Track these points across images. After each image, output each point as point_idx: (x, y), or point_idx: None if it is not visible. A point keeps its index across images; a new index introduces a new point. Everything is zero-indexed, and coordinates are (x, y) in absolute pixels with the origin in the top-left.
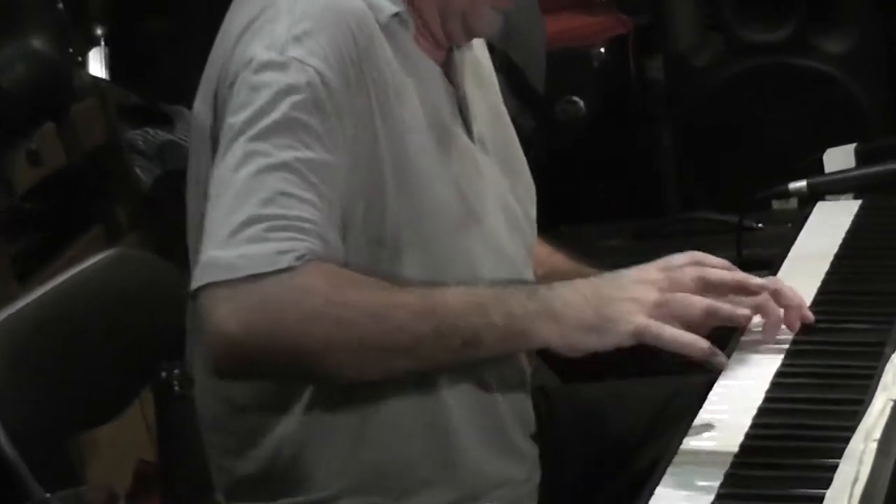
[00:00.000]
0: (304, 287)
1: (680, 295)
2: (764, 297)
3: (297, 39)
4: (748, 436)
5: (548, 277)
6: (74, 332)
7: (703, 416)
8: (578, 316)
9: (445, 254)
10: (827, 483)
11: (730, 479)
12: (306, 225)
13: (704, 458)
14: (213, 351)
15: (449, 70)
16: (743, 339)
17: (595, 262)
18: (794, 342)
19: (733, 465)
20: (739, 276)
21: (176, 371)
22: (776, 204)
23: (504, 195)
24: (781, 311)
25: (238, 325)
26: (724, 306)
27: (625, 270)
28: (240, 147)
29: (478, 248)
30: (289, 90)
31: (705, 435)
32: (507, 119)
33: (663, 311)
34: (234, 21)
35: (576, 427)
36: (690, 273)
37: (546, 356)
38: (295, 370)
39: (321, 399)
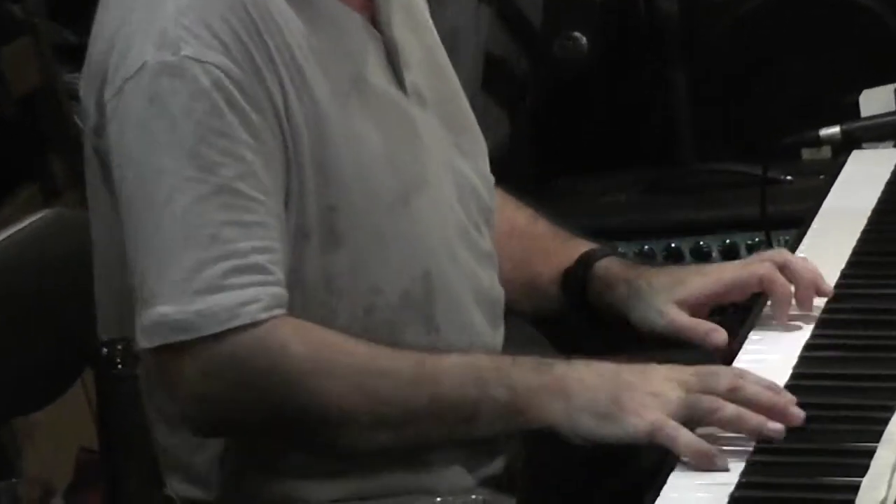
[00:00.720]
0: (279, 349)
1: (706, 397)
2: (768, 269)
3: (189, 32)
4: None
5: (528, 252)
6: (6, 302)
7: None
8: (591, 399)
9: (387, 232)
10: (863, 470)
11: (752, 467)
12: (261, 258)
13: (723, 443)
14: (182, 411)
15: (374, 12)
16: (767, 308)
17: (598, 219)
18: (825, 310)
19: (756, 450)
20: (782, 399)
21: (119, 346)
22: (806, 153)
23: (447, 153)
24: (791, 287)
25: (207, 388)
26: (754, 418)
27: (656, 365)
28: (160, 176)
29: (423, 218)
30: (194, 98)
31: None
32: (447, 64)
33: (685, 413)
34: (110, 3)
35: None
36: (726, 382)
37: (547, 333)
38: (268, 433)
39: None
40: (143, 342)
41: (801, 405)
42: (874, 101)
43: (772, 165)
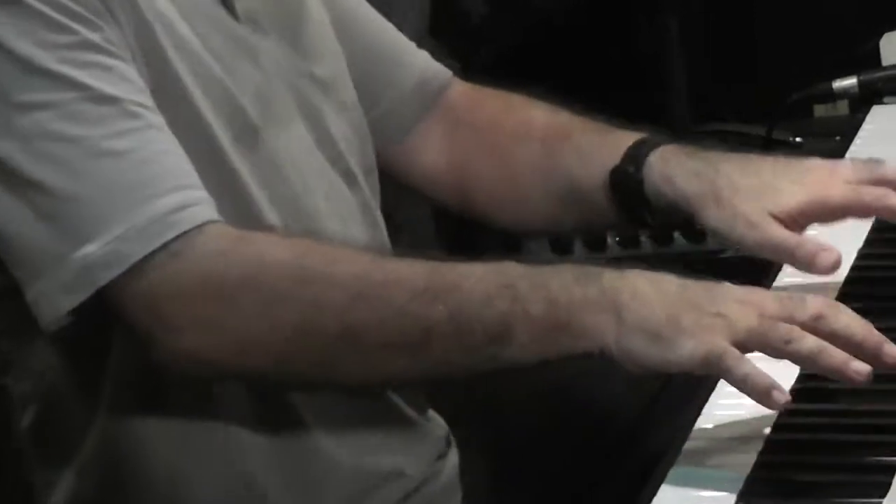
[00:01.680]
0: (256, 256)
1: (782, 325)
2: (883, 199)
3: None
4: (777, 426)
5: (558, 154)
6: None
7: (720, 397)
8: (646, 315)
9: (240, 177)
10: (883, 489)
11: (752, 484)
12: (169, 161)
13: (719, 454)
14: (168, 357)
15: None
16: (777, 283)
17: None
18: (842, 293)
19: (758, 465)
20: (876, 337)
21: None
22: (819, 110)
23: (300, 88)
24: None
25: (176, 313)
26: (837, 354)
27: (728, 283)
28: (25, 113)
29: (279, 161)
30: (24, 19)
31: (722, 418)
32: None
33: (753, 341)
34: None
35: (541, 403)
36: (812, 308)
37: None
38: (248, 372)
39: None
40: (65, 303)
41: (812, 412)
42: None
43: (779, 125)
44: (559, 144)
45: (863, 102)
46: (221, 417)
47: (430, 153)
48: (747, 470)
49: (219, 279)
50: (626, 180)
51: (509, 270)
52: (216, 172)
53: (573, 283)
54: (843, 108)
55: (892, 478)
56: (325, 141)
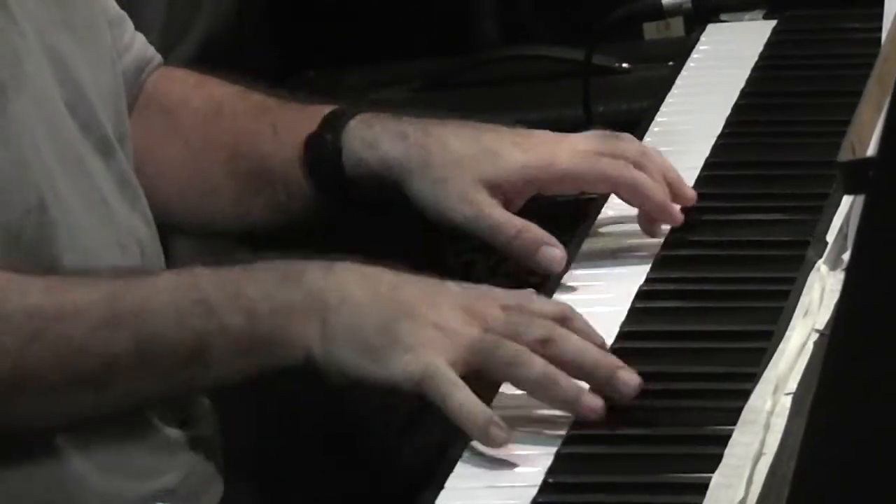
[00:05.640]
0: None
1: (511, 346)
2: (621, 169)
3: None
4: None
5: (246, 133)
6: None
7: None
8: (355, 323)
9: None
10: (713, 463)
11: (562, 463)
12: None
13: (520, 433)
14: None
15: None
16: (588, 243)
17: None
18: (665, 244)
19: (568, 439)
20: (609, 363)
21: None
22: (650, 30)
23: (50, 37)
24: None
25: None
26: (566, 383)
27: (451, 283)
28: None
29: (27, 128)
30: None
31: (522, 395)
32: None
33: (474, 360)
34: None
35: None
36: (539, 329)
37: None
38: None
39: None
40: None
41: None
42: None
43: (602, 49)
44: (251, 121)
45: (698, 20)
46: None
47: None
48: (557, 443)
49: None
50: (322, 148)
51: (201, 281)
52: None
53: (274, 287)
54: (678, 28)
55: (723, 449)
56: (78, 103)
